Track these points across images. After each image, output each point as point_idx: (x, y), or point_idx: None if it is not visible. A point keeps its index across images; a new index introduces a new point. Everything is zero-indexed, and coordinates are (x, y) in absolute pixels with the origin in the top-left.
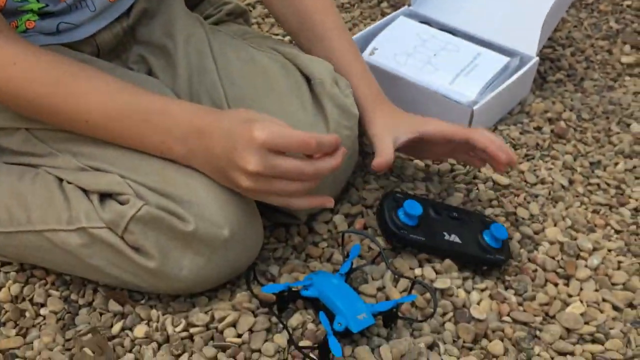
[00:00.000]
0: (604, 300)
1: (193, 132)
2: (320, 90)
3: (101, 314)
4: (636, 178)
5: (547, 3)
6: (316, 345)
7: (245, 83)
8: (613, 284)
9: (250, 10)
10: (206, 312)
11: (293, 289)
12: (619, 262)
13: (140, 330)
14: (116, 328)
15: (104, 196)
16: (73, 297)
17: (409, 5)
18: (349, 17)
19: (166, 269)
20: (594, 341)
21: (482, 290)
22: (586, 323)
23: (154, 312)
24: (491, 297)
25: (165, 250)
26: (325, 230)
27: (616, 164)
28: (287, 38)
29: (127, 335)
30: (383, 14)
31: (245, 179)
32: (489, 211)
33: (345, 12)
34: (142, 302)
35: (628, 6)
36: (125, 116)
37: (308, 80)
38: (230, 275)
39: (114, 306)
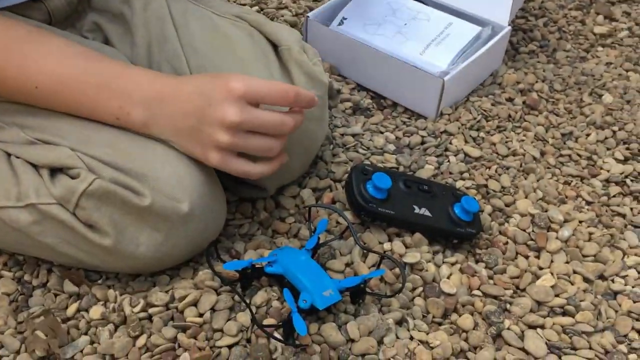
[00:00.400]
0: (574, 272)
1: (155, 96)
2: (287, 57)
3: (56, 295)
4: (607, 149)
5: None
6: (280, 323)
7: (209, 51)
8: (584, 256)
9: None
10: (166, 292)
11: (257, 266)
12: (590, 233)
13: (96, 312)
14: (71, 309)
15: (55, 171)
16: (27, 277)
17: None
18: None
19: (122, 247)
20: (564, 314)
21: (453, 264)
22: (557, 295)
23: (111, 293)
24: (461, 270)
25: (121, 226)
26: (293, 205)
27: (588, 135)
28: (255, 8)
29: (83, 317)
30: None
31: (224, 133)
32: (459, 183)
33: None
34: (100, 282)
35: None
36: (80, 81)
37: (275, 47)
38: (191, 253)
39: (69, 287)
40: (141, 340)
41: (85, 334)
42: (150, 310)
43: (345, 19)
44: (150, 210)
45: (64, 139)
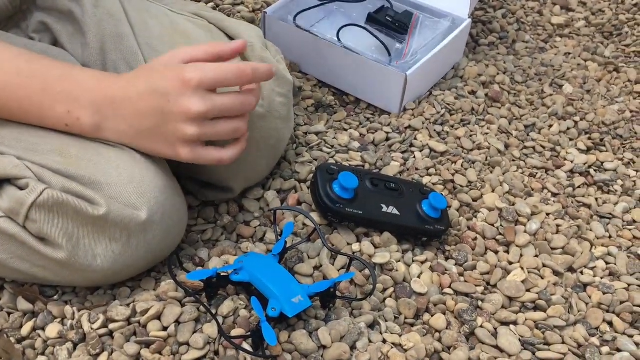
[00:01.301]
0: (544, 265)
1: (104, 98)
2: (250, 54)
3: (9, 314)
4: (570, 140)
5: None
6: (248, 334)
7: (167, 49)
8: (553, 249)
9: None
10: (127, 305)
11: (222, 274)
12: (558, 225)
13: (52, 330)
14: (26, 329)
15: (1, 182)
16: None
17: None
18: None
19: (77, 259)
20: (536, 308)
21: (423, 262)
22: (528, 290)
23: (68, 309)
24: (432, 269)
25: (75, 238)
26: (257, 208)
27: (550, 126)
28: (210, 5)
29: (39, 336)
30: None
31: (190, 126)
32: (426, 179)
33: None
34: (56, 298)
35: None
36: (22, 86)
37: None
38: (152, 262)
39: (23, 305)
40: (102, 359)
41: (43, 354)
42: (111, 326)
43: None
44: (106, 220)
45: (9, 148)
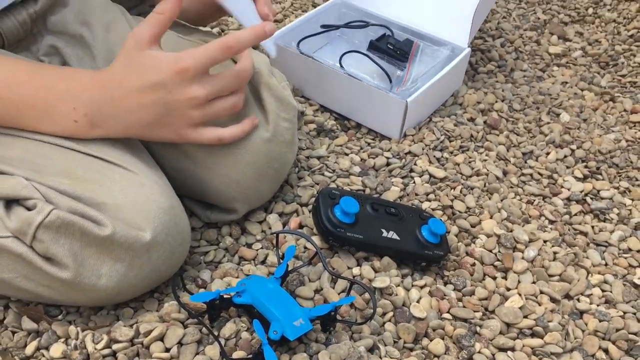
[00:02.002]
0: (541, 292)
1: (104, 97)
2: (257, 80)
3: (13, 333)
4: (567, 167)
5: None
6: (250, 356)
7: None
8: (550, 275)
9: None
10: (130, 326)
11: (225, 296)
12: (555, 252)
13: (57, 350)
14: (30, 348)
15: (10, 202)
16: None
17: None
18: (280, 8)
19: (83, 279)
20: (533, 335)
21: (422, 287)
22: (525, 317)
23: (72, 329)
24: (431, 294)
25: (80, 258)
26: (259, 231)
27: (547, 153)
28: (215, 30)
29: (43, 356)
30: (314, 5)
31: (194, 110)
32: (425, 205)
33: (276, 4)
34: (60, 317)
35: None
36: (22, 83)
37: None
38: (156, 282)
39: (27, 324)
40: None
41: None
42: (115, 347)
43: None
44: (112, 240)
45: (17, 169)
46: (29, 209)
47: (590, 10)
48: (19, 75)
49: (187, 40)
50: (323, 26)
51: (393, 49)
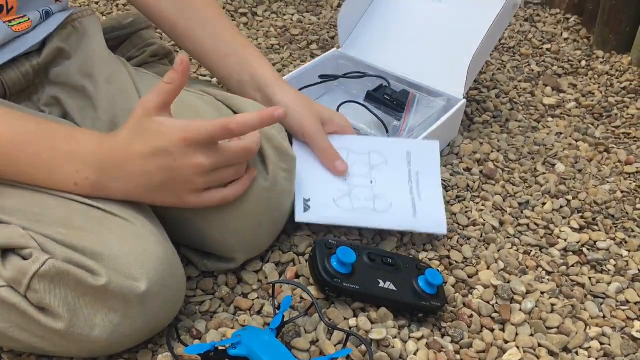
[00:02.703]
0: (539, 345)
1: (107, 158)
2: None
3: None
4: (563, 218)
5: (472, 47)
6: None
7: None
8: (548, 328)
9: (176, 51)
10: None
11: (219, 348)
12: (552, 304)
13: None
14: None
15: (6, 251)
16: None
17: (338, 47)
18: (279, 59)
19: (76, 330)
20: None
21: (419, 339)
22: None
23: None
24: (428, 346)
25: (75, 308)
26: (255, 281)
27: (544, 204)
28: (215, 80)
29: None
30: (313, 56)
31: (199, 177)
32: (422, 255)
33: (275, 54)
34: None
35: (548, 50)
36: (32, 144)
37: None
38: (150, 333)
39: None
40: None
41: None
42: None
43: (308, 200)
44: (106, 290)
45: (14, 218)
46: (24, 258)
47: (584, 63)
48: (27, 134)
49: (187, 91)
50: (321, 76)
51: (390, 99)
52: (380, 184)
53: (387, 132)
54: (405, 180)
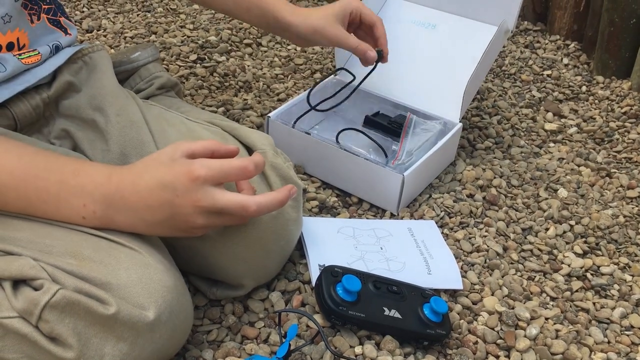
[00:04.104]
0: None
1: (115, 192)
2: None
3: None
4: (567, 243)
5: (466, 72)
6: None
7: None
8: (552, 354)
9: (183, 82)
10: None
11: None
12: (557, 330)
13: None
14: None
15: (18, 282)
16: None
17: (335, 75)
18: (283, 88)
19: (86, 359)
20: None
21: None
22: None
23: None
24: None
25: (84, 337)
26: (262, 309)
27: (547, 229)
28: (220, 110)
29: None
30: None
31: (200, 216)
32: None
33: (279, 83)
34: None
35: (548, 75)
36: (40, 177)
37: (248, 150)
38: None
39: None
40: None
41: None
42: None
43: (323, 265)
44: (116, 319)
45: (25, 249)
46: (35, 289)
47: (584, 88)
48: (36, 168)
49: (194, 122)
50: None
51: (387, 123)
52: (391, 249)
53: (386, 156)
54: (414, 246)
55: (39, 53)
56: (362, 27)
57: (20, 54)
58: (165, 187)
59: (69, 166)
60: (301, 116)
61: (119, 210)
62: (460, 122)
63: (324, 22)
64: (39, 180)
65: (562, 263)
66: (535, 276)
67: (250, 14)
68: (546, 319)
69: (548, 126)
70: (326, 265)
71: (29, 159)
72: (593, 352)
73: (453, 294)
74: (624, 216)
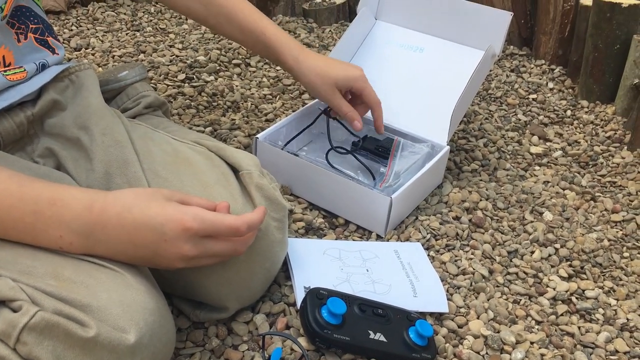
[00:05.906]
0: None
1: (95, 223)
2: (248, 181)
3: None
4: (552, 266)
5: (454, 95)
6: None
7: (170, 174)
8: None
9: (171, 102)
10: None
11: None
12: (542, 355)
13: None
14: None
15: None
16: None
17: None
18: (271, 108)
19: None
20: None
21: None
22: None
23: None
24: None
25: None
26: (246, 332)
27: (532, 252)
28: (208, 129)
29: None
30: (304, 105)
31: (180, 261)
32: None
33: (268, 104)
34: None
35: (534, 99)
36: (15, 207)
37: (234, 171)
38: None
39: None
40: None
41: None
42: None
43: (308, 287)
44: (95, 342)
45: (5, 270)
46: (14, 311)
47: (569, 112)
48: (10, 197)
49: (180, 142)
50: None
51: (375, 146)
52: (377, 271)
53: (374, 178)
54: (400, 268)
55: (24, 70)
56: (359, 98)
57: (5, 71)
58: (154, 229)
59: (45, 194)
60: (291, 140)
61: (99, 242)
62: (447, 144)
63: (321, 83)
64: (13, 210)
65: (548, 286)
66: (520, 299)
67: (255, 48)
68: (531, 343)
69: (534, 149)
70: (312, 287)
71: (2, 187)
72: None
73: (439, 317)
74: (609, 240)
